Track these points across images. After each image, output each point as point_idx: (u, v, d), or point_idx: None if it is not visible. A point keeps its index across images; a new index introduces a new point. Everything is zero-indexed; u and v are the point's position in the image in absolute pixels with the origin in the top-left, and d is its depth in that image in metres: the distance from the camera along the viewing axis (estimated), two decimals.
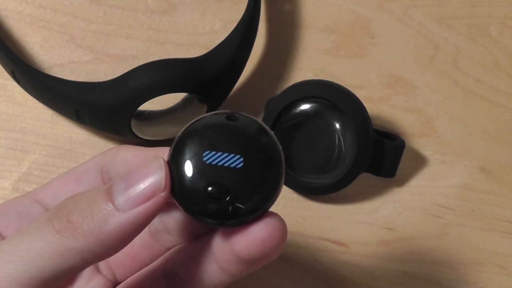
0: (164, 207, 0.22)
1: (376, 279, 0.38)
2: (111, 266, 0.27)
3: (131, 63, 0.39)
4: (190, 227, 0.26)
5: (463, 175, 0.40)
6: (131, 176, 0.22)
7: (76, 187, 0.27)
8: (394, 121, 0.40)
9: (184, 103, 0.37)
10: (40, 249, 0.21)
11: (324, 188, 0.37)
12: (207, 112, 0.35)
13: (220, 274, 0.24)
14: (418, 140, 0.40)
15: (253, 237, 0.22)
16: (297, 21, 0.41)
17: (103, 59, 0.39)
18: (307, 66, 0.40)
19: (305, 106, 0.36)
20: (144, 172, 0.22)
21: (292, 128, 0.36)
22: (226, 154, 0.22)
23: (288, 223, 0.23)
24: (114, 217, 0.21)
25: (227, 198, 0.22)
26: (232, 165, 0.22)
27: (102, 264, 0.27)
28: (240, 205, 0.22)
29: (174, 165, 0.22)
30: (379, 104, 0.40)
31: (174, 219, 0.26)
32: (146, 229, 0.24)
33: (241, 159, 0.22)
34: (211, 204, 0.22)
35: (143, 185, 0.21)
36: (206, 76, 0.34)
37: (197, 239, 0.26)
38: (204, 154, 0.22)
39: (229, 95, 0.37)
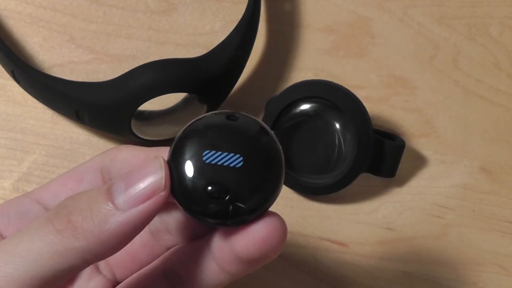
0: (164, 207, 0.22)
1: (376, 279, 0.38)
2: (111, 266, 0.27)
3: (131, 63, 0.39)
4: (190, 226, 0.26)
5: (463, 175, 0.40)
6: (131, 176, 0.22)
7: (76, 187, 0.27)
8: (394, 121, 0.40)
9: (184, 103, 0.37)
10: (40, 249, 0.21)
11: (324, 188, 0.37)
12: (207, 112, 0.35)
13: (220, 273, 0.24)
14: (418, 140, 0.40)
15: (253, 237, 0.22)
16: (297, 21, 0.41)
17: (103, 59, 0.39)
18: (307, 66, 0.40)
19: (305, 106, 0.36)
20: (144, 172, 0.22)
21: (292, 128, 0.36)
22: (226, 154, 0.22)
23: (288, 223, 0.23)
24: (114, 216, 0.21)
25: (227, 198, 0.22)
26: (232, 165, 0.22)
27: (102, 263, 0.27)
28: (240, 205, 0.22)
29: (174, 164, 0.22)
30: (379, 104, 0.40)
31: (174, 218, 0.26)
32: (146, 228, 0.24)
33: (241, 158, 0.22)
34: (211, 204, 0.22)
35: (143, 185, 0.21)
36: (206, 76, 0.34)
37: (197, 238, 0.26)
38: (204, 154, 0.22)
39: (229, 95, 0.37)
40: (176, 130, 0.23)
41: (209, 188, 0.22)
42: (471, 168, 0.40)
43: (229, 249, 0.23)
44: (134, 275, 0.27)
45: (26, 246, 0.21)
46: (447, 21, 0.42)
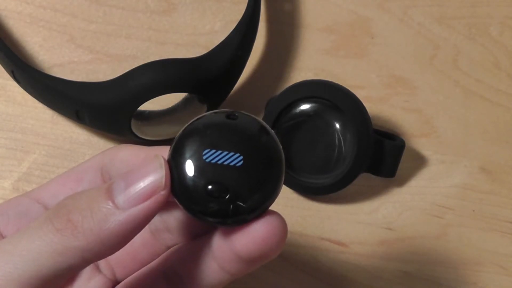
0: (164, 206, 0.22)
1: (376, 279, 0.38)
2: (111, 265, 0.27)
3: (131, 63, 0.39)
4: (190, 226, 0.26)
5: (463, 175, 0.40)
6: (131, 175, 0.22)
7: (76, 187, 0.27)
8: (394, 121, 0.40)
9: (184, 103, 0.37)
10: (40, 248, 0.21)
11: (324, 188, 0.37)
12: (207, 112, 0.35)
13: (220, 273, 0.24)
14: (418, 140, 0.40)
15: (253, 236, 0.22)
16: (297, 21, 0.41)
17: (103, 59, 0.39)
18: (307, 66, 0.40)
19: (305, 106, 0.36)
20: (144, 171, 0.22)
21: (292, 128, 0.36)
22: (226, 153, 0.22)
23: (288, 223, 0.23)
24: (114, 215, 0.21)
25: (227, 197, 0.22)
26: (232, 164, 0.22)
27: (102, 263, 0.27)
28: (240, 204, 0.22)
29: (174, 163, 0.22)
30: (379, 104, 0.40)
31: (174, 217, 0.26)
32: (146, 228, 0.24)
33: (241, 157, 0.22)
34: (211, 203, 0.22)
35: (143, 184, 0.21)
36: (206, 76, 0.34)
37: (197, 238, 0.26)
38: (204, 153, 0.22)
39: (229, 95, 0.37)
40: (176, 130, 0.23)
41: (209, 187, 0.22)
42: (471, 168, 0.40)
43: (229, 248, 0.23)
44: (134, 274, 0.27)
45: (25, 246, 0.21)
46: (447, 21, 0.42)
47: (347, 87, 0.37)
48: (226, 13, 0.40)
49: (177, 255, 0.26)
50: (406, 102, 0.41)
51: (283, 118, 0.36)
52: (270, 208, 0.23)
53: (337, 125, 0.36)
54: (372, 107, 0.40)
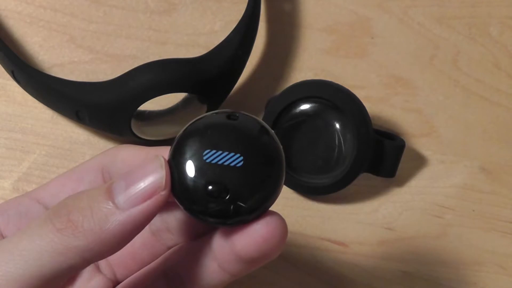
0: (164, 206, 0.22)
1: (376, 279, 0.38)
2: (112, 265, 0.27)
3: (131, 63, 0.39)
4: (191, 226, 0.26)
5: (463, 175, 0.40)
6: (132, 175, 0.22)
7: (77, 187, 0.27)
8: (394, 121, 0.40)
9: (184, 103, 0.37)
10: (40, 248, 0.21)
11: (324, 188, 0.37)
12: (207, 112, 0.35)
13: (220, 273, 0.24)
14: (418, 140, 0.40)
15: (254, 236, 0.22)
16: (297, 21, 0.41)
17: (103, 59, 0.39)
18: (307, 66, 0.40)
19: (305, 106, 0.36)
20: (144, 171, 0.22)
21: (292, 128, 0.36)
22: (226, 153, 0.22)
23: (288, 223, 0.23)
24: (115, 215, 0.21)
25: (228, 197, 0.22)
26: (233, 164, 0.22)
27: (102, 263, 0.27)
28: (240, 204, 0.22)
29: (175, 164, 0.22)
30: (379, 104, 0.40)
31: (174, 218, 0.26)
32: (147, 228, 0.24)
33: (242, 158, 0.22)
34: (211, 203, 0.22)
35: (144, 184, 0.21)
36: (206, 76, 0.34)
37: (197, 238, 0.26)
38: (204, 153, 0.22)
39: (229, 95, 0.37)
40: (176, 130, 0.23)
41: (210, 187, 0.22)
42: (471, 168, 0.40)
43: (230, 249, 0.23)
44: (135, 274, 0.27)
45: (26, 245, 0.21)
46: (447, 21, 0.42)
47: (347, 87, 0.37)
48: (226, 13, 0.40)
49: (177, 255, 0.26)
50: (406, 102, 0.41)
51: (283, 118, 0.36)
52: (270, 208, 0.23)
53: (337, 125, 0.36)
54: (372, 107, 0.40)
